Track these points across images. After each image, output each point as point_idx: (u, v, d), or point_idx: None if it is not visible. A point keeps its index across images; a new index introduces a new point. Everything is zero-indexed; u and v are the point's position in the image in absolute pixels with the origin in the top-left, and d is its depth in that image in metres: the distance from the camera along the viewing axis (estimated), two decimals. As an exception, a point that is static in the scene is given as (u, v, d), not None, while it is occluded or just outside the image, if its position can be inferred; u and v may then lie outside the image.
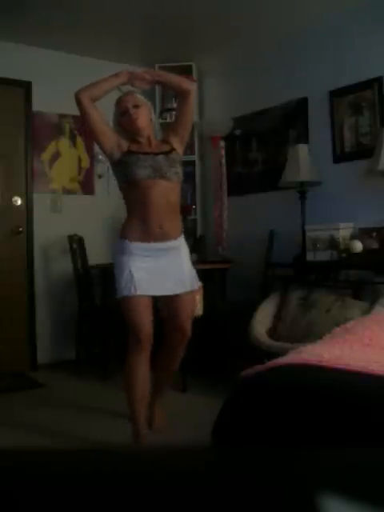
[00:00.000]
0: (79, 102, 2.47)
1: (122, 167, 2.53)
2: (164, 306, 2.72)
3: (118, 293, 2.53)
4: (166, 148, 2.60)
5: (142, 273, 2.49)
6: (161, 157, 2.55)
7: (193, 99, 2.67)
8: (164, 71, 2.72)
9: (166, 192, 2.52)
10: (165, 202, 2.52)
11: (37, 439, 2.64)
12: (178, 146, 2.64)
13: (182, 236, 2.66)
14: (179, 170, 2.59)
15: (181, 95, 2.64)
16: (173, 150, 2.60)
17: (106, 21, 3.86)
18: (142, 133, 2.57)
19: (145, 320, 2.51)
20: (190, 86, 2.64)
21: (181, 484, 0.33)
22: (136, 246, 2.50)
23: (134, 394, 2.52)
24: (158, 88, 4.62)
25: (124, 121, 2.56)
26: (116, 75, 2.56)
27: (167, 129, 2.82)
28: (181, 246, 2.63)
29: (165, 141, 2.66)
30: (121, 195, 2.64)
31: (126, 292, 2.47)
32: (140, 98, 2.61)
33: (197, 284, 2.75)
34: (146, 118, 2.57)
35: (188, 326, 2.71)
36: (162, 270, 2.54)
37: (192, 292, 2.71)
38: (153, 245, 2.51)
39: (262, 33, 4.07)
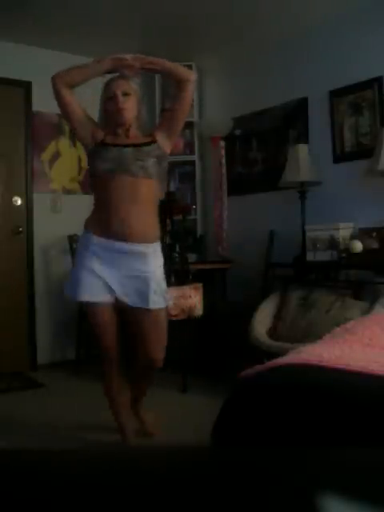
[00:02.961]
0: (53, 88, 2.28)
1: (90, 159, 2.35)
2: (131, 321, 2.43)
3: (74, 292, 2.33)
4: (142, 140, 2.35)
5: (95, 274, 2.29)
6: (129, 149, 2.29)
7: (192, 91, 2.37)
8: (158, 58, 2.37)
9: (129, 187, 2.26)
10: (129, 198, 2.26)
11: (37, 439, 2.64)
12: (163, 139, 2.37)
13: (156, 243, 2.36)
14: (149, 163, 2.29)
15: (178, 84, 2.35)
16: (151, 142, 2.34)
17: (105, 21, 3.86)
18: (124, 125, 2.34)
19: (107, 331, 2.37)
20: (189, 75, 2.36)
21: (180, 484, 0.33)
22: (98, 241, 2.29)
23: (113, 406, 2.51)
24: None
25: (109, 106, 2.32)
26: (98, 62, 2.32)
27: (159, 122, 2.57)
28: (150, 254, 2.32)
29: (149, 134, 2.39)
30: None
31: (78, 294, 2.31)
32: (131, 85, 2.35)
33: (166, 301, 2.39)
34: (133, 109, 2.33)
35: (158, 352, 2.38)
36: (119, 275, 2.29)
37: (159, 310, 2.35)
38: (115, 244, 2.28)
39: (263, 33, 4.07)
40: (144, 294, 2.29)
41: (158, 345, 2.38)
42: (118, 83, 2.32)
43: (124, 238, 2.27)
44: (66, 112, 2.34)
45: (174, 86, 2.46)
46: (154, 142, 2.34)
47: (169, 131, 2.38)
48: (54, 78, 2.30)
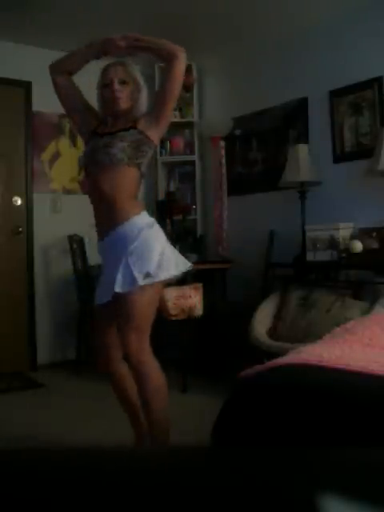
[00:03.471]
0: (51, 77, 2.26)
1: None
2: None
3: None
4: (120, 127, 2.17)
5: (102, 276, 2.22)
6: (105, 137, 2.13)
7: (181, 70, 2.13)
8: (144, 35, 2.17)
9: (98, 182, 2.12)
10: (102, 190, 2.11)
11: (37, 439, 2.64)
12: (148, 124, 2.16)
13: (130, 220, 2.10)
14: (118, 148, 2.08)
15: (166, 61, 2.16)
16: (130, 128, 2.15)
17: (105, 21, 3.86)
18: (117, 114, 2.19)
19: (101, 339, 2.27)
20: (177, 51, 2.11)
21: (180, 484, 0.33)
22: (98, 244, 2.24)
23: (122, 405, 2.39)
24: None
25: (106, 93, 2.17)
26: (89, 45, 2.24)
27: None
28: (120, 237, 2.10)
29: (133, 120, 2.19)
30: None
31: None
32: (130, 71, 2.19)
33: (140, 281, 2.03)
34: (128, 98, 2.17)
35: (126, 338, 2.10)
36: (110, 271, 2.11)
37: (127, 294, 2.05)
38: (105, 240, 2.15)
39: (262, 33, 4.07)
40: (116, 277, 2.06)
41: (126, 330, 2.09)
42: (116, 70, 2.17)
43: (106, 234, 2.14)
44: (61, 100, 2.29)
45: (162, 65, 2.31)
46: (133, 127, 2.15)
47: (156, 115, 2.18)
48: (49, 67, 2.30)
